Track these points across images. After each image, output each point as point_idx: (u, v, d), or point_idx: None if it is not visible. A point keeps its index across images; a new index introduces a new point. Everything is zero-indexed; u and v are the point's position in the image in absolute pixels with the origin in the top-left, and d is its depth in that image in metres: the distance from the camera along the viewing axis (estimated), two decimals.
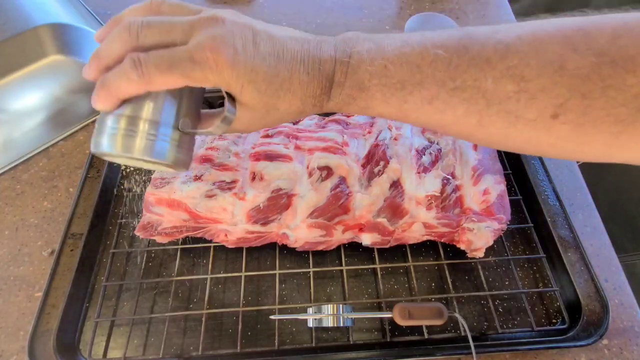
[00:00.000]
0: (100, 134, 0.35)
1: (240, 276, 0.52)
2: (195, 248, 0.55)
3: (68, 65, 0.64)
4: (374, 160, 0.53)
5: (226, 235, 0.51)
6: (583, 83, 0.30)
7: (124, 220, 0.57)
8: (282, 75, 0.34)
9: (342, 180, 0.51)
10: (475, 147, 0.54)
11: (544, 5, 0.96)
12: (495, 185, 0.51)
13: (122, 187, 0.60)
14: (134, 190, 0.58)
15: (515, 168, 0.60)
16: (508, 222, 0.51)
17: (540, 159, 0.60)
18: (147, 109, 0.34)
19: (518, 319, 0.50)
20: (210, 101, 0.69)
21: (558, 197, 0.56)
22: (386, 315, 0.47)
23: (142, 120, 0.34)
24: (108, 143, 0.34)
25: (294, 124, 0.58)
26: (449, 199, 0.50)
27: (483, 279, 0.51)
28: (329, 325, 0.46)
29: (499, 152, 0.60)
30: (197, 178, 0.51)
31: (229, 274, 0.53)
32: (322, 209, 0.49)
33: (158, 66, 0.32)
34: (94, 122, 0.68)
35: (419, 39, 0.34)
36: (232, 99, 0.35)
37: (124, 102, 0.34)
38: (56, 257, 0.52)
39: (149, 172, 0.57)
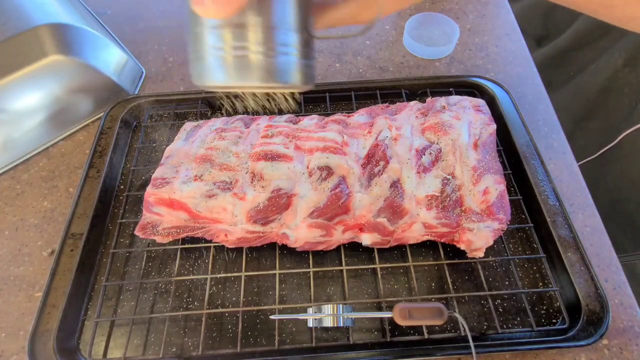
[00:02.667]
0: (200, 60, 0.26)
1: (240, 276, 0.52)
2: (195, 248, 0.55)
3: (68, 65, 0.64)
4: (374, 160, 0.53)
5: (226, 235, 0.51)
6: None
7: (124, 220, 0.57)
8: None
9: (342, 180, 0.51)
10: (475, 146, 0.54)
11: (544, 5, 0.96)
12: (495, 185, 0.51)
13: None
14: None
15: (515, 168, 0.60)
16: (508, 222, 0.51)
17: (540, 158, 0.60)
18: (258, 10, 0.25)
19: (518, 318, 0.50)
20: (210, 101, 0.69)
21: (558, 197, 0.56)
22: (386, 315, 0.47)
23: (252, 28, 0.25)
24: (215, 71, 0.26)
25: (294, 123, 0.58)
26: (449, 199, 0.50)
27: (483, 278, 0.51)
28: (329, 325, 0.46)
29: (499, 151, 0.60)
30: (197, 178, 0.51)
31: (229, 274, 0.53)
32: (322, 209, 0.49)
33: None
34: (94, 122, 0.69)
35: None
36: None
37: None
38: (56, 257, 0.52)
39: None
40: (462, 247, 0.51)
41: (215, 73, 0.26)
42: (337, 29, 0.29)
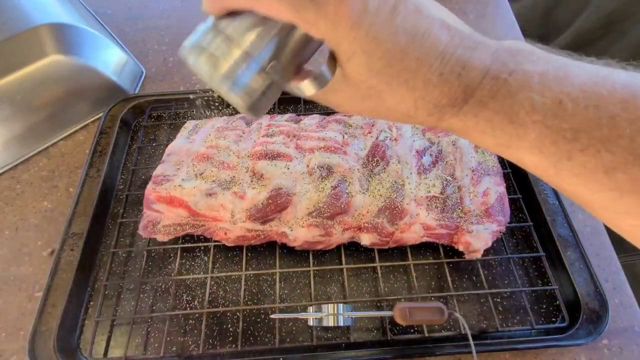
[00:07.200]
0: (193, 42, 0.32)
1: (241, 275, 0.52)
2: (196, 247, 0.55)
3: (68, 65, 0.64)
4: (374, 161, 0.53)
5: (225, 233, 0.51)
6: None
7: (124, 219, 0.57)
8: (408, 63, 0.26)
9: (342, 180, 0.51)
10: (476, 148, 0.54)
11: (544, 5, 0.96)
12: (495, 187, 0.51)
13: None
14: None
15: (514, 167, 0.60)
16: (507, 224, 0.51)
17: None
18: (247, 37, 0.30)
19: (518, 317, 0.50)
20: (209, 100, 0.69)
21: (557, 196, 0.56)
22: (386, 314, 0.47)
23: (236, 47, 0.30)
24: (195, 57, 0.31)
25: (295, 123, 0.58)
26: (449, 200, 0.50)
27: (483, 277, 0.51)
28: (329, 325, 0.46)
29: None
30: (198, 176, 0.51)
31: (229, 273, 0.53)
32: (321, 208, 0.49)
33: None
34: (94, 122, 0.69)
35: (626, 80, 0.25)
36: (334, 61, 0.30)
37: (230, 16, 0.30)
38: (56, 256, 0.52)
39: None
40: (461, 248, 0.51)
41: (188, 48, 0.31)
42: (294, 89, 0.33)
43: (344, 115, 0.59)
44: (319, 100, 0.33)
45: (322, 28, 0.27)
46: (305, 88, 0.32)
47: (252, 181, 0.51)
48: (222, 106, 0.67)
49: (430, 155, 0.54)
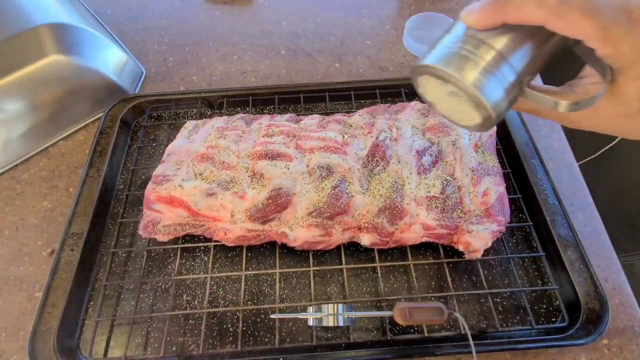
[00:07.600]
0: (435, 48, 0.30)
1: (241, 275, 0.52)
2: (196, 247, 0.55)
3: (68, 65, 0.64)
4: (374, 161, 0.53)
5: (225, 233, 0.51)
6: None
7: (124, 219, 0.57)
8: None
9: (342, 180, 0.51)
10: (476, 148, 0.54)
11: None
12: (495, 187, 0.51)
13: None
14: None
15: (514, 167, 0.60)
16: (507, 224, 0.51)
17: (540, 157, 0.60)
18: (501, 39, 0.28)
19: (517, 317, 0.50)
20: (209, 101, 0.69)
21: (557, 196, 0.56)
22: (386, 314, 0.47)
23: (489, 48, 0.28)
24: (445, 61, 0.29)
25: (295, 123, 0.58)
26: (449, 200, 0.50)
27: (483, 277, 0.51)
28: (329, 325, 0.46)
29: (498, 150, 0.60)
30: (198, 176, 0.51)
31: (230, 273, 0.53)
32: (321, 208, 0.49)
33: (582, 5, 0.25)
34: (94, 122, 0.69)
35: None
36: (605, 80, 0.28)
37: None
38: (56, 256, 0.52)
39: None
40: (460, 248, 0.51)
41: (436, 56, 0.29)
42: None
43: (344, 115, 0.59)
44: (548, 116, 0.32)
45: (625, 47, 0.25)
46: (562, 106, 0.29)
47: (252, 181, 0.51)
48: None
49: (430, 155, 0.54)
